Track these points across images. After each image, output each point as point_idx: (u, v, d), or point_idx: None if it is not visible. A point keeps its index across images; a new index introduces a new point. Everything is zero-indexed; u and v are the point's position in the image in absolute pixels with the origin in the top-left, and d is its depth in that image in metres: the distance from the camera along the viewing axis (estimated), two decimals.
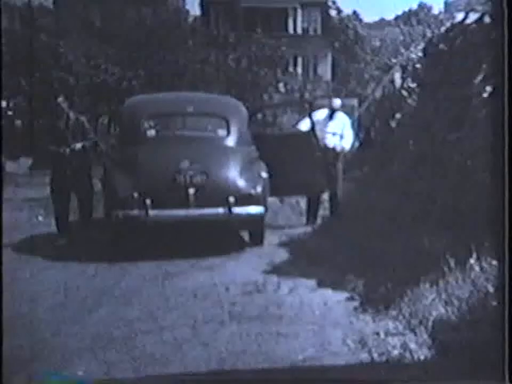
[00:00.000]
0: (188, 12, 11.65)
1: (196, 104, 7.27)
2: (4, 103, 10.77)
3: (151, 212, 6.38)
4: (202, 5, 11.51)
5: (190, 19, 11.77)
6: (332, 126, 8.09)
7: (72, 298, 5.25)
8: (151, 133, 7.04)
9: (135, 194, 6.40)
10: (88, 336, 4.46)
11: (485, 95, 5.75)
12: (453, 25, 8.00)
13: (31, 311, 4.96)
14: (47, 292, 5.39)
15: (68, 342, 4.38)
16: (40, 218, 8.35)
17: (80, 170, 7.02)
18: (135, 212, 6.38)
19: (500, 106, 4.15)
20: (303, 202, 8.45)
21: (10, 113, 10.72)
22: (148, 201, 6.37)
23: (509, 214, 4.17)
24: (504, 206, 4.19)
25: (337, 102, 8.30)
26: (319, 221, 8.02)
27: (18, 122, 10.85)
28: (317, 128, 7.78)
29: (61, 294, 5.35)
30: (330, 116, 8.11)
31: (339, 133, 8.08)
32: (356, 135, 8.83)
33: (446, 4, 10.46)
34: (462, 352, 4.03)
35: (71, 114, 7.14)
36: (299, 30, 11.86)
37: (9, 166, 7.73)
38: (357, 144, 8.38)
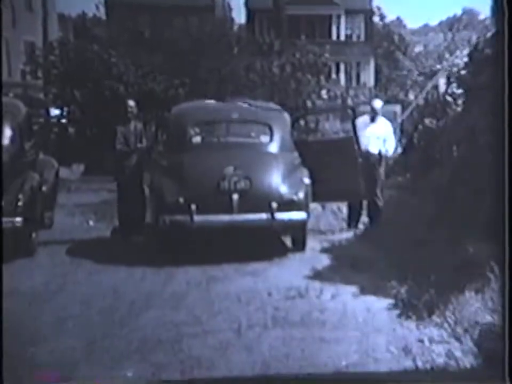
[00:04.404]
0: (233, 20, 11.80)
1: (240, 111, 7.36)
2: (57, 111, 11.11)
3: (196, 218, 6.48)
4: (247, 13, 11.63)
5: (235, 27, 11.91)
6: (374, 129, 8.03)
7: (121, 301, 5.36)
8: (197, 139, 7.16)
9: (181, 200, 6.51)
10: (137, 339, 4.55)
11: None
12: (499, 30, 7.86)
13: (82, 313, 5.11)
14: (97, 294, 5.54)
15: (117, 343, 4.48)
16: (91, 223, 8.58)
17: (138, 172, 7.30)
18: (181, 217, 6.50)
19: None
20: (344, 208, 8.44)
21: (64, 121, 11.05)
22: (193, 207, 6.48)
23: None
24: None
25: (377, 103, 8.22)
26: (361, 226, 8.01)
27: (71, 130, 11.16)
28: (360, 133, 7.75)
29: (110, 297, 5.48)
30: (372, 119, 8.06)
31: (381, 137, 8.02)
32: (399, 141, 8.79)
33: (492, 9, 10.29)
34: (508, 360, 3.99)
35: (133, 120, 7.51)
36: (342, 37, 11.87)
37: (62, 172, 7.98)
38: (399, 150, 8.31)
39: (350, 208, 8.12)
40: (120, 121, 7.45)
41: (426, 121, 9.37)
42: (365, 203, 8.04)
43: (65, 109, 11.03)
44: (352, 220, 8.05)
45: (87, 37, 11.19)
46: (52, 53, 11.28)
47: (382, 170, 8.06)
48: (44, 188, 7.37)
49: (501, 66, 3.96)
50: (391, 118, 9.18)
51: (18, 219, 6.47)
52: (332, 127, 10.14)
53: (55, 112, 11.29)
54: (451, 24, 12.16)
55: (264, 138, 7.18)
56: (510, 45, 3.98)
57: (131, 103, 7.60)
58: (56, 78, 11.08)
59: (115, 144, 7.37)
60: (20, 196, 6.62)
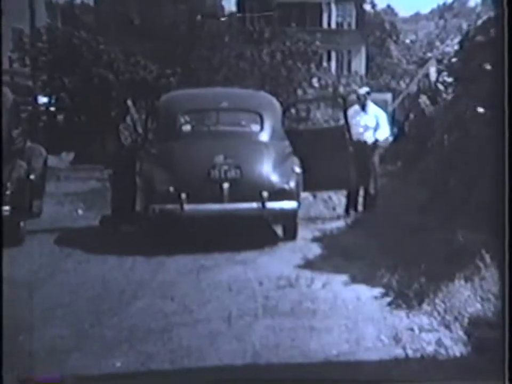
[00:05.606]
0: (223, 7, 11.72)
1: (230, 99, 7.33)
2: (46, 99, 11.03)
3: (186, 207, 6.47)
4: (237, 1, 11.55)
5: (226, 15, 11.81)
6: (364, 118, 8.03)
7: (111, 290, 5.36)
8: (187, 128, 7.13)
9: (171, 189, 6.49)
10: (126, 328, 4.54)
11: None
12: (490, 18, 7.87)
13: (71, 302, 5.09)
14: (86, 283, 5.52)
15: (106, 333, 4.47)
16: (80, 212, 8.54)
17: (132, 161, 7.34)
18: (171, 206, 6.48)
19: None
20: (335, 197, 8.45)
21: (52, 109, 10.97)
22: (183, 196, 6.46)
23: None
24: None
25: (363, 89, 8.22)
26: (352, 215, 8.02)
27: (60, 118, 11.11)
28: (351, 121, 7.74)
29: (99, 286, 5.47)
30: (363, 108, 8.05)
31: (372, 126, 8.01)
32: (390, 129, 8.77)
33: None
34: (498, 349, 4.01)
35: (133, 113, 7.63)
36: (333, 25, 11.82)
37: (51, 161, 7.94)
38: (391, 138, 8.31)
39: (348, 195, 8.13)
40: (119, 119, 7.57)
41: (420, 100, 9.37)
42: (361, 191, 8.06)
43: (54, 96, 10.99)
44: (350, 208, 8.06)
45: (75, 23, 11.12)
46: (39, 40, 11.22)
47: (376, 159, 8.07)
48: (32, 176, 7.31)
49: (500, 51, 3.95)
50: (382, 106, 9.17)
51: (6, 208, 6.43)
52: (323, 115, 10.14)
53: (43, 99, 11.23)
54: (442, 12, 12.15)
55: (255, 127, 7.16)
56: (510, 34, 3.97)
57: (129, 102, 7.74)
58: (44, 65, 11.03)
59: (120, 139, 7.47)
60: (8, 185, 6.57)
